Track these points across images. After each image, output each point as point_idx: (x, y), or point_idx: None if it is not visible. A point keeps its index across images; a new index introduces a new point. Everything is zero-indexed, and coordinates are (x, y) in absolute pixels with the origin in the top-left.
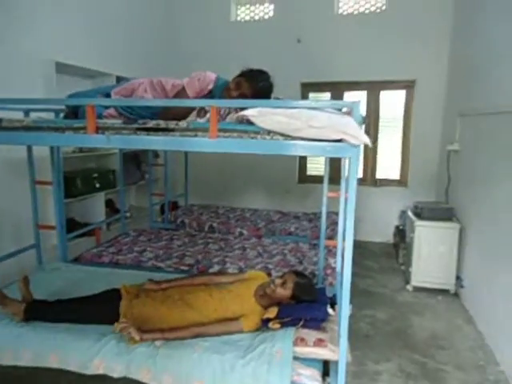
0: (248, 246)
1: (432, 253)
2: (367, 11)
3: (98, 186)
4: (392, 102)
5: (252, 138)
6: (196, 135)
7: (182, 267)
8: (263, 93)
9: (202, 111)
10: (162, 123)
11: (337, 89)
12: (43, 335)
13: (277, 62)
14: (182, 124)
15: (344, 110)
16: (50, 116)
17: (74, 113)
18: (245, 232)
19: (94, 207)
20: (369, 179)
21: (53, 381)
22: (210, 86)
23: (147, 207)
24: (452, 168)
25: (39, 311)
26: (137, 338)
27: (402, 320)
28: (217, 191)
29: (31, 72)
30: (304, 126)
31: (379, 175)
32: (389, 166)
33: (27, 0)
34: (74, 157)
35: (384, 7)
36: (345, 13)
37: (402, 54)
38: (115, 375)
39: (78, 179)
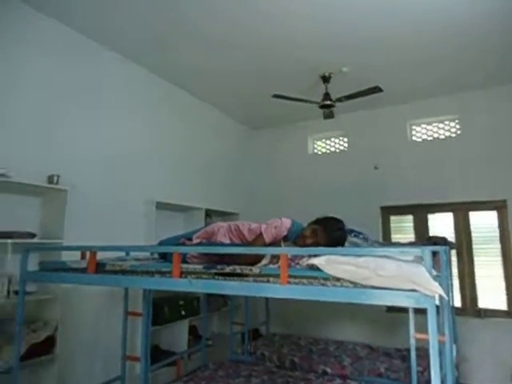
0: None
1: None
2: (442, 136)
3: (183, 313)
4: (484, 223)
5: (322, 284)
6: (268, 281)
7: None
8: (337, 242)
9: (275, 257)
10: (238, 269)
11: (419, 211)
12: None
13: (355, 188)
14: (255, 270)
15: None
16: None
17: (164, 256)
18: (328, 370)
19: (178, 334)
20: (469, 309)
21: None
22: (285, 233)
23: (229, 334)
24: None
25: None
26: None
27: None
28: (300, 319)
29: (137, 209)
30: (372, 274)
31: (482, 304)
32: (492, 293)
33: (139, 162)
34: None
35: (459, 131)
36: (418, 139)
37: (486, 175)
38: None
39: (165, 307)
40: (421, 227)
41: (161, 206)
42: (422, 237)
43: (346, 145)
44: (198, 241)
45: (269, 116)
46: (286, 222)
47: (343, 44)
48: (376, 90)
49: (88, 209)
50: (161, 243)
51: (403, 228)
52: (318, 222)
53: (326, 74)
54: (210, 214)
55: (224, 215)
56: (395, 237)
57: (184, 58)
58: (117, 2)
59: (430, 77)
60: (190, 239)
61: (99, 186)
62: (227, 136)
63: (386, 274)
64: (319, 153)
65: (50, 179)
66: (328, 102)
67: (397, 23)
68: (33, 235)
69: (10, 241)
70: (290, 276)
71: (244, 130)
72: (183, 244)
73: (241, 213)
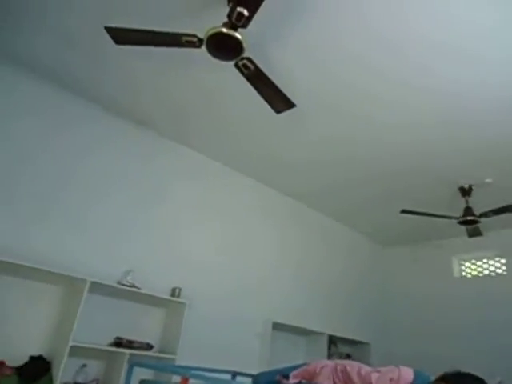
0: None
1: None
2: None
3: None
4: None
5: None
6: None
7: None
8: None
9: None
10: None
11: None
12: None
13: None
14: None
15: None
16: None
17: None
18: None
19: None
20: None
21: None
22: None
23: None
24: None
25: None
26: None
27: None
28: None
29: (253, 329)
30: None
31: None
32: None
33: (259, 279)
34: None
35: None
36: None
37: None
38: None
39: None
40: None
41: (278, 326)
42: None
43: (503, 267)
44: (297, 381)
45: (402, 232)
46: (407, 375)
47: (485, 155)
48: None
49: (203, 324)
50: (256, 378)
51: None
52: (445, 379)
53: (466, 186)
54: (335, 342)
55: (352, 344)
56: None
57: (310, 177)
58: (243, 133)
59: None
60: (288, 377)
61: (216, 301)
62: (355, 254)
63: None
64: (468, 276)
65: (173, 292)
66: (470, 218)
67: None
68: (151, 347)
69: (128, 351)
70: None
71: (374, 248)
72: (279, 382)
73: (372, 343)
